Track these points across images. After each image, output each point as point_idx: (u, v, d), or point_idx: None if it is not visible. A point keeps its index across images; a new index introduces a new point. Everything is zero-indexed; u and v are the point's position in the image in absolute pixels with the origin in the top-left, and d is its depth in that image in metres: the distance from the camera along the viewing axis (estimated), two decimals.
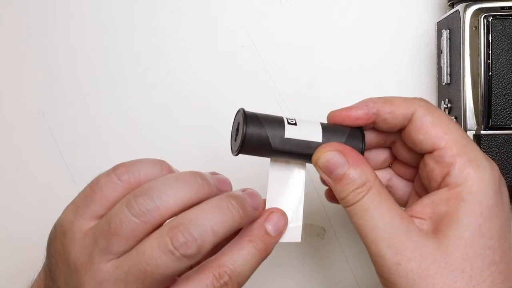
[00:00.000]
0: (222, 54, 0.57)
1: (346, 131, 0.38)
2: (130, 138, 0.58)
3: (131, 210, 0.34)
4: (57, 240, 0.37)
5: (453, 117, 0.49)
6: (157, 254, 0.33)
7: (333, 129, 0.38)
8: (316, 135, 0.38)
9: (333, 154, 0.37)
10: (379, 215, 0.35)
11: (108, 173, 0.36)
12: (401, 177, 0.42)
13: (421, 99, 0.38)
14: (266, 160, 0.39)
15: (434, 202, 0.36)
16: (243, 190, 0.38)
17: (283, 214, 0.38)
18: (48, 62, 0.58)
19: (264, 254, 0.37)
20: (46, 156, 0.58)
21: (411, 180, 0.42)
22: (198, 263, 0.36)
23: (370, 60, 0.56)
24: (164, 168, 0.37)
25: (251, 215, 0.37)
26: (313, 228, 0.56)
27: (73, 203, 0.38)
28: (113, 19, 0.58)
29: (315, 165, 0.38)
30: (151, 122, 0.58)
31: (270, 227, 0.38)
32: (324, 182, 0.39)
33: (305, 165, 0.40)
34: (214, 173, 0.38)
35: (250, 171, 0.52)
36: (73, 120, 0.58)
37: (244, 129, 0.37)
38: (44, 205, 0.57)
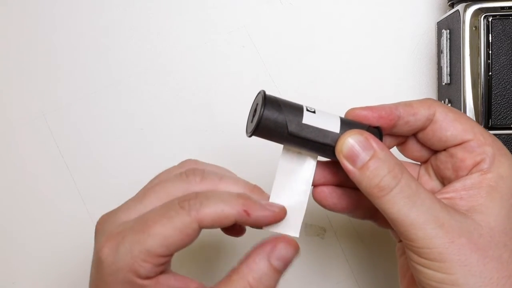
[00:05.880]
0: (222, 54, 0.57)
1: (365, 127, 0.37)
2: (130, 138, 0.58)
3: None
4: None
5: None
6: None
7: (351, 123, 0.38)
8: (334, 126, 0.37)
9: (357, 138, 0.36)
10: (422, 200, 0.35)
11: None
12: None
13: (433, 100, 0.39)
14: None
15: (466, 186, 0.37)
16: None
17: (290, 243, 0.35)
18: (48, 62, 0.58)
19: None
20: (46, 156, 0.58)
21: None
22: None
23: (370, 60, 0.56)
24: None
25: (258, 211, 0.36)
26: (313, 228, 0.56)
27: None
28: (113, 19, 0.58)
29: (339, 154, 0.36)
30: (151, 122, 0.58)
31: (276, 262, 0.35)
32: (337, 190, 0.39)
33: (316, 158, 0.38)
34: None
35: (249, 172, 0.52)
36: (73, 120, 0.58)
37: (262, 109, 0.36)
38: (44, 205, 0.57)
